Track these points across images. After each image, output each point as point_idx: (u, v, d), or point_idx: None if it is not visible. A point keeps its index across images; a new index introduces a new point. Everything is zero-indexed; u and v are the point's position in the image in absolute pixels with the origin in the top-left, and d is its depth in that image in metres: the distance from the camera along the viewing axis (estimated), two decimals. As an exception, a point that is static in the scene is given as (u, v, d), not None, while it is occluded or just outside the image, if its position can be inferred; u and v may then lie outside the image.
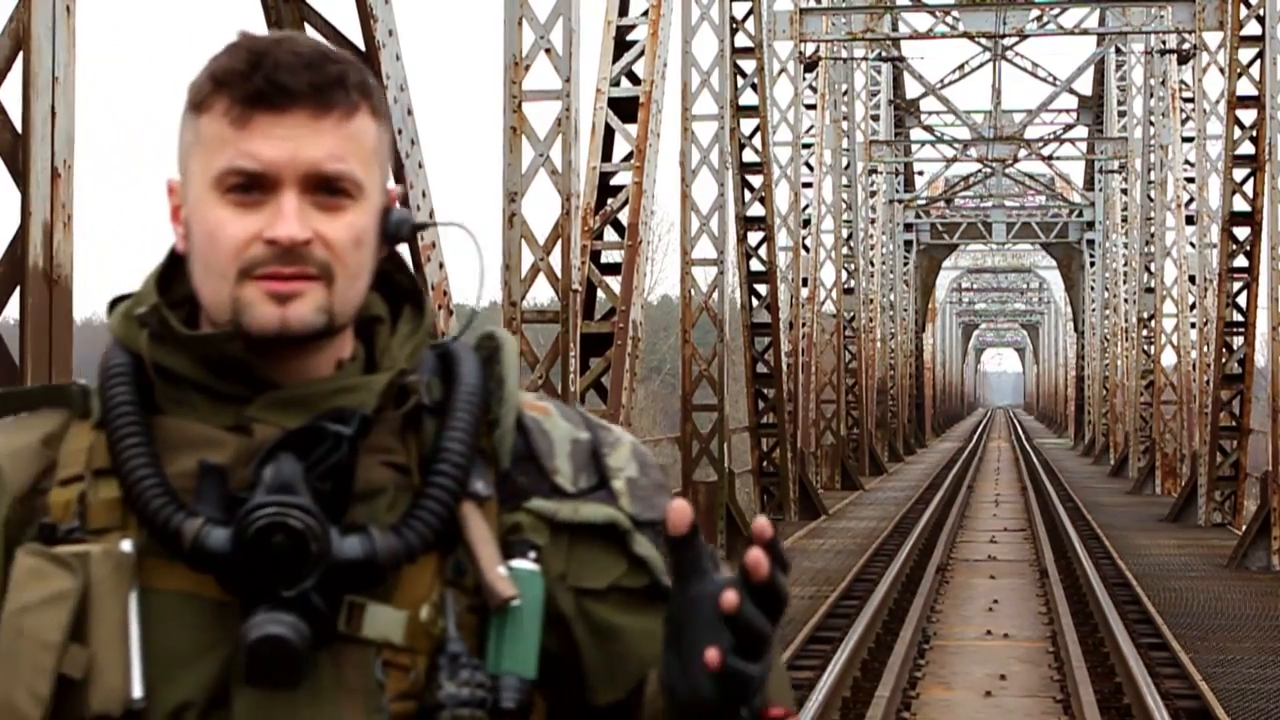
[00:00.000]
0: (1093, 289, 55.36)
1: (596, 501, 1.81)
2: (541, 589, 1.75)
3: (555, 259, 13.38)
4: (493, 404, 1.82)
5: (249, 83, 1.71)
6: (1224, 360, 22.94)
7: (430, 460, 1.76)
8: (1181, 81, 31.10)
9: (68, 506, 1.75)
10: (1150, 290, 35.32)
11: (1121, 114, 42.59)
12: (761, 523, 1.62)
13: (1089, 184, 53.37)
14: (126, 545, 1.71)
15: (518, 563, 1.75)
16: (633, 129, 16.26)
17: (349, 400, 1.75)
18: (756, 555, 1.58)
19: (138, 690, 1.68)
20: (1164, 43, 31.94)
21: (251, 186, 1.72)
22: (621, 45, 16.80)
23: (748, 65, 23.21)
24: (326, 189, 1.73)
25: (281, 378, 1.76)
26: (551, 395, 2.01)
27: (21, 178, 6.05)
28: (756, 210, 23.94)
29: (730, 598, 1.57)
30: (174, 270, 1.82)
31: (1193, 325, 30.05)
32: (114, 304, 1.84)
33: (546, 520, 1.79)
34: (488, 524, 1.76)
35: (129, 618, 1.69)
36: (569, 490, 1.81)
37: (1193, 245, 30.02)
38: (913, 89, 48.94)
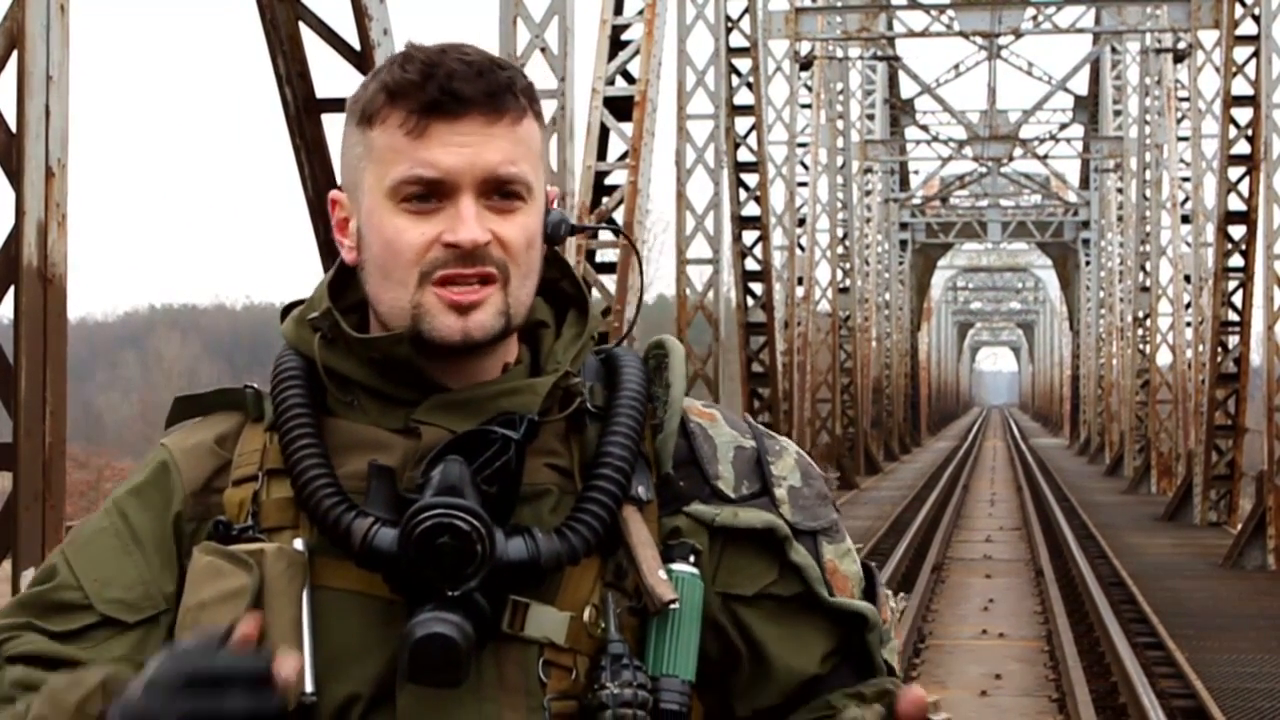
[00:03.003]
0: (1088, 288, 55.35)
1: (757, 508, 1.83)
2: (701, 592, 1.78)
3: (551, 258, 13.34)
4: (658, 408, 1.85)
5: (424, 93, 1.75)
6: (1219, 359, 22.94)
7: (592, 464, 1.79)
8: (1177, 80, 31.10)
9: (241, 506, 1.80)
10: (1145, 289, 35.34)
11: (1117, 113, 42.59)
12: (917, 694, 1.77)
13: (1084, 183, 53.37)
14: (299, 544, 1.76)
15: (678, 566, 1.78)
16: (628, 128, 16.24)
17: (514, 403, 1.78)
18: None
19: (309, 685, 1.72)
20: (1159, 42, 31.94)
21: (429, 194, 1.76)
22: (616, 44, 16.78)
23: (743, 64, 23.19)
24: (501, 192, 1.77)
25: (449, 380, 1.79)
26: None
27: (16, 176, 6.05)
28: (752, 209, 23.92)
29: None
30: (344, 279, 1.86)
31: (1188, 324, 30.04)
32: (287, 310, 1.88)
33: (704, 524, 1.81)
34: (648, 527, 1.79)
35: (301, 615, 1.73)
36: (730, 495, 1.83)
37: (1188, 244, 30.01)
38: (908, 88, 49.00)
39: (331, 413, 1.82)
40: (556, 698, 1.74)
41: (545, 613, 1.74)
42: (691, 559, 1.79)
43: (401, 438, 1.78)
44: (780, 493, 1.85)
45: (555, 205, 1.86)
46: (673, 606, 1.75)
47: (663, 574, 1.76)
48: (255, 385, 1.86)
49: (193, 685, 1.52)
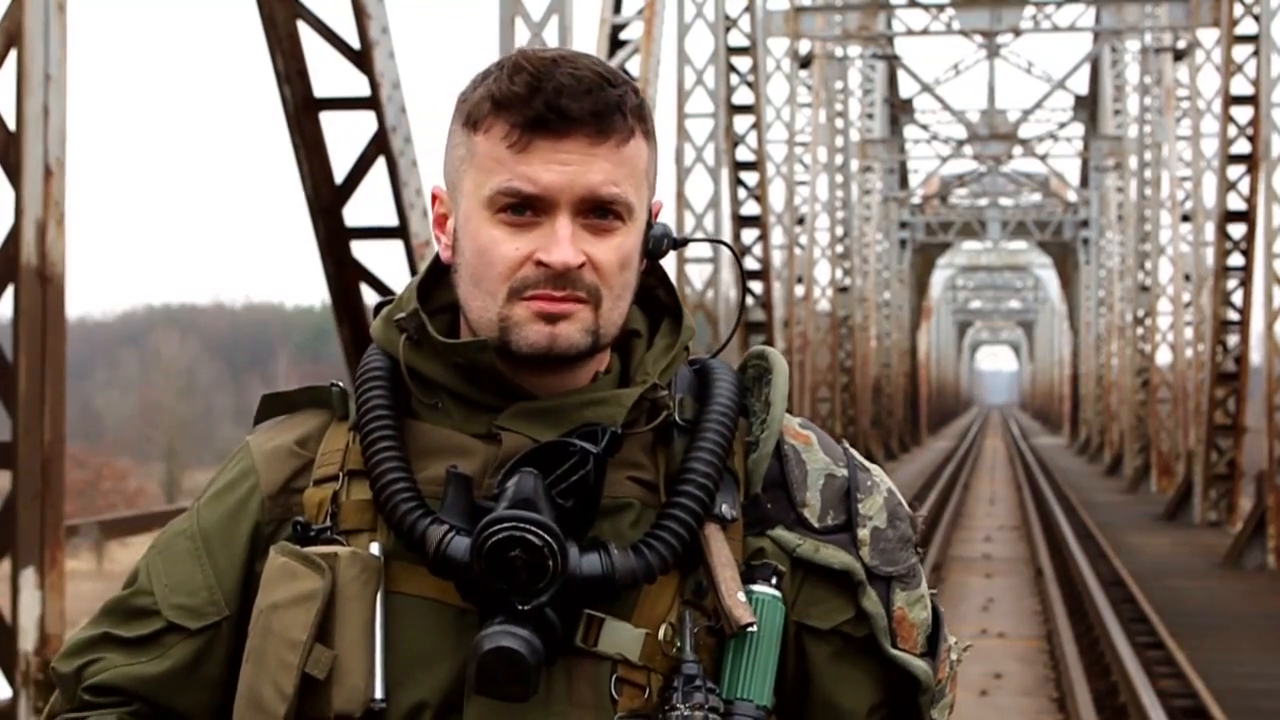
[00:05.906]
0: (1088, 287, 55.34)
1: (837, 545, 1.80)
2: (781, 616, 1.75)
3: (550, 257, 13.33)
4: (754, 426, 1.82)
5: (530, 107, 1.72)
6: (1219, 358, 22.93)
7: (676, 479, 1.76)
8: (1176, 79, 31.10)
9: (321, 506, 1.79)
10: (1145, 288, 35.34)
11: (1117, 112, 42.56)
12: None
13: (1084, 182, 53.36)
14: (375, 548, 1.75)
15: (759, 588, 1.75)
16: (628, 127, 16.23)
17: (599, 414, 1.75)
18: None
19: (379, 691, 1.72)
20: (1159, 40, 31.94)
21: (525, 208, 1.73)
22: (616, 43, 16.78)
23: (742, 63, 23.18)
24: (599, 212, 1.74)
25: (535, 387, 1.77)
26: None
27: (14, 175, 6.05)
28: (751, 208, 23.92)
29: None
30: (435, 279, 1.84)
31: (1188, 323, 30.04)
32: (378, 309, 1.86)
33: (786, 551, 1.79)
34: (730, 547, 1.76)
35: (374, 620, 1.73)
36: (814, 525, 1.80)
37: (1188, 243, 30.02)
38: (907, 87, 48.99)
39: (415, 415, 1.80)
40: (627, 716, 1.72)
41: (620, 628, 1.72)
42: (774, 581, 1.76)
43: (483, 443, 1.76)
44: (863, 533, 1.81)
45: (659, 217, 1.83)
46: (749, 630, 1.72)
47: (742, 596, 1.73)
48: (340, 384, 1.86)
49: None
